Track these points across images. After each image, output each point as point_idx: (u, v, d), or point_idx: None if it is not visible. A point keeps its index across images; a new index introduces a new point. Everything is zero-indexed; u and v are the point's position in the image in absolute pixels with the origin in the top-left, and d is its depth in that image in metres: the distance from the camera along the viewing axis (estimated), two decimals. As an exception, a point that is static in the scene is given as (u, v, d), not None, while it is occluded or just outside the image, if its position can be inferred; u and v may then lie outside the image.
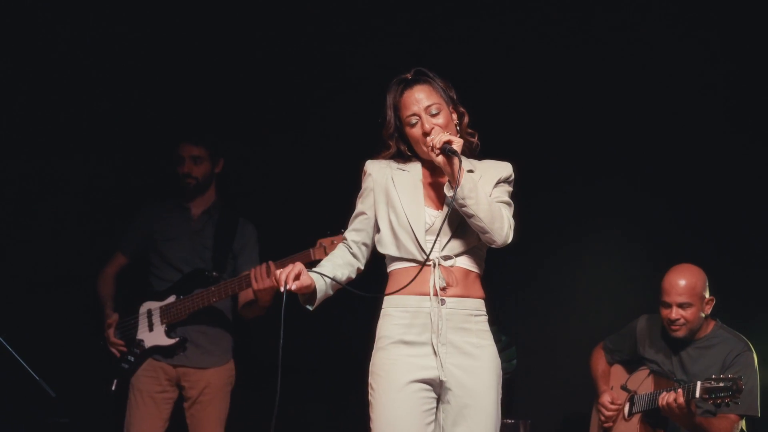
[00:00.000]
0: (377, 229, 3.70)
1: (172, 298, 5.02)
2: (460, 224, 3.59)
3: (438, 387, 3.54)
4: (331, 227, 4.51)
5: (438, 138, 3.51)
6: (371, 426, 3.53)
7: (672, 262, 4.80)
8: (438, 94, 3.65)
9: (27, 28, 5.50)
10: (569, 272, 5.74)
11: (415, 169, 3.71)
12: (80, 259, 5.50)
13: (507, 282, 5.76)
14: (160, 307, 5.03)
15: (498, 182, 3.68)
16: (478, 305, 3.64)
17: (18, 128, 5.53)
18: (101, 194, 5.68)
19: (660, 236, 5.53)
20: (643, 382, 4.80)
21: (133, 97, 5.70)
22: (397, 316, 3.58)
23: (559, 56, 5.70)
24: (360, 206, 3.76)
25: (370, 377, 3.58)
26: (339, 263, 3.67)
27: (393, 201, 3.64)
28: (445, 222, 3.56)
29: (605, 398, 4.93)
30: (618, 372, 5.02)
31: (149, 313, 5.04)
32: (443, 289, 3.55)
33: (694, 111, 5.52)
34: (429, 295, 3.55)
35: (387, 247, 3.64)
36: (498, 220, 3.54)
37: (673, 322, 4.68)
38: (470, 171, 3.64)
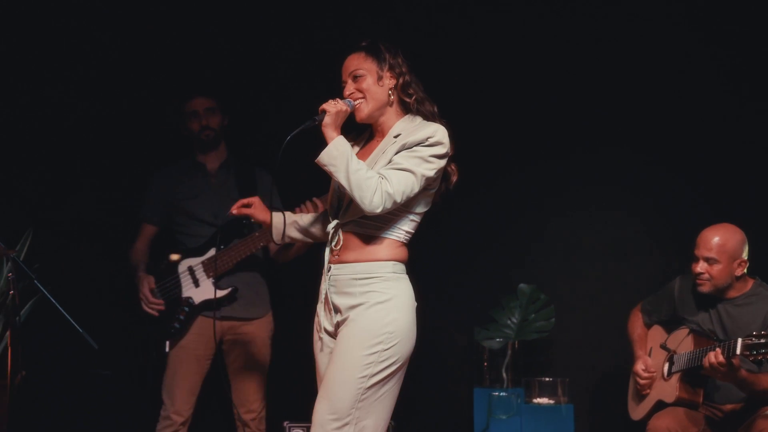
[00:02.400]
0: None
1: (212, 251, 5.03)
2: None
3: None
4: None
5: (324, 106, 3.67)
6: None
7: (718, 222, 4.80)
8: (370, 60, 3.75)
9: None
10: (608, 231, 5.73)
11: (369, 131, 3.91)
12: (118, 215, 5.54)
13: (545, 241, 5.76)
14: (202, 262, 5.04)
15: (404, 147, 3.66)
16: (369, 269, 3.71)
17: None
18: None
19: (706, 195, 5.52)
20: (682, 341, 4.78)
21: (135, 53, 5.71)
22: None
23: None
24: None
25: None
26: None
27: None
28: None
29: (639, 366, 4.92)
30: (657, 332, 5.01)
31: (191, 269, 5.05)
32: (334, 253, 3.76)
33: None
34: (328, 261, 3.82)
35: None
36: (362, 189, 3.56)
37: (697, 275, 4.69)
38: (397, 135, 3.72)
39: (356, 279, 3.69)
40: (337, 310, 3.72)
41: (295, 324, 4.47)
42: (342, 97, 3.75)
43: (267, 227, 4.03)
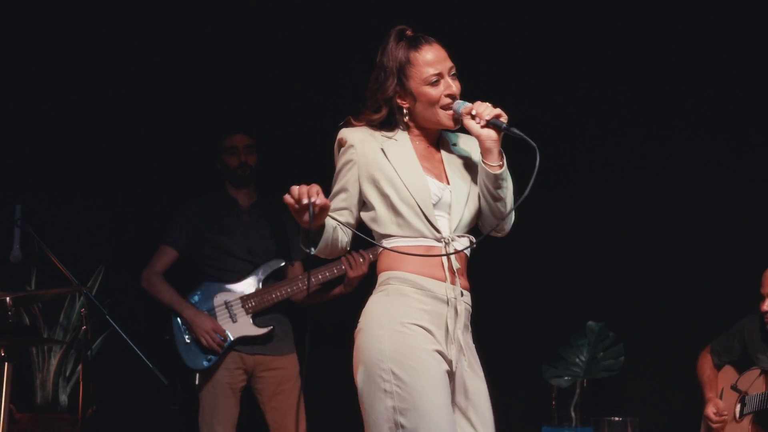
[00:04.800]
0: (366, 207, 3.28)
1: (251, 289, 5.10)
2: (468, 201, 3.28)
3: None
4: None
5: (488, 109, 3.18)
6: (399, 420, 3.05)
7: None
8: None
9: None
10: (677, 269, 5.67)
11: (403, 137, 3.30)
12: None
13: (614, 279, 5.72)
14: (241, 298, 5.09)
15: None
16: None
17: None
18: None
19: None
20: (754, 382, 4.72)
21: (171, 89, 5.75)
22: (416, 299, 3.16)
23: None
24: (340, 182, 3.28)
25: (390, 364, 3.08)
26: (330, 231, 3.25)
27: (387, 174, 3.22)
28: (454, 195, 3.25)
29: (710, 409, 4.87)
30: (728, 372, 4.94)
31: (227, 304, 5.09)
32: (455, 274, 3.20)
33: None
34: (444, 280, 3.18)
35: (385, 226, 3.22)
36: (509, 209, 3.25)
37: (765, 314, 4.65)
38: (455, 144, 3.37)
39: (470, 313, 3.27)
40: (461, 348, 3.18)
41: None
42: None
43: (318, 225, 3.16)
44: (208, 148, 5.37)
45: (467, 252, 3.26)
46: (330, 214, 3.15)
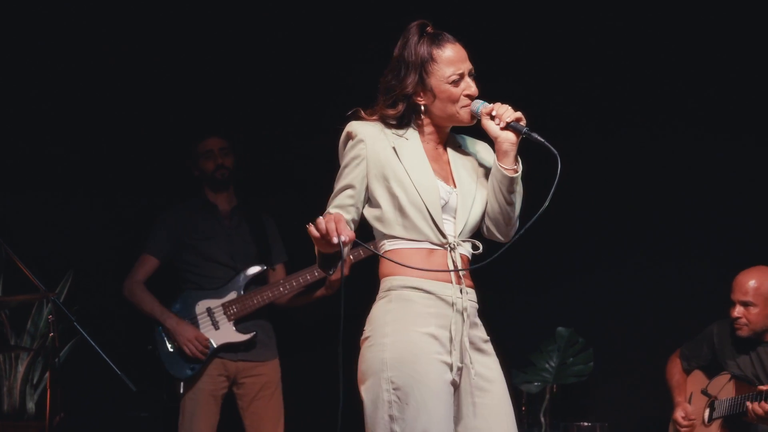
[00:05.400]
0: (371, 204, 3.22)
1: (232, 295, 5.08)
2: (473, 205, 3.25)
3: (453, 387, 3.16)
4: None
5: (508, 111, 3.17)
6: (395, 429, 3.04)
7: (756, 265, 4.77)
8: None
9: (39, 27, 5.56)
10: (646, 274, 5.69)
11: (414, 136, 3.24)
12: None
13: (584, 283, 5.73)
14: (222, 305, 5.07)
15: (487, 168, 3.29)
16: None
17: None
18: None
19: (744, 239, 5.48)
20: (724, 387, 4.75)
21: (145, 99, 5.71)
22: (422, 303, 3.13)
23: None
24: (346, 178, 3.19)
25: (390, 373, 3.06)
26: None
27: (398, 174, 3.16)
28: (460, 199, 3.21)
29: (678, 413, 4.89)
30: (698, 377, 4.97)
31: (209, 311, 5.07)
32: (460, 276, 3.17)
33: None
34: (450, 282, 3.16)
35: (390, 227, 3.17)
36: (516, 214, 3.25)
37: (735, 320, 4.68)
38: (459, 146, 3.33)
39: (477, 309, 3.27)
40: (471, 342, 3.17)
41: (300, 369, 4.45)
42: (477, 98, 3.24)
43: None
44: (181, 151, 5.35)
45: (469, 255, 3.24)
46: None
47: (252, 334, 5.06)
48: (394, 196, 3.16)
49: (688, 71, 5.63)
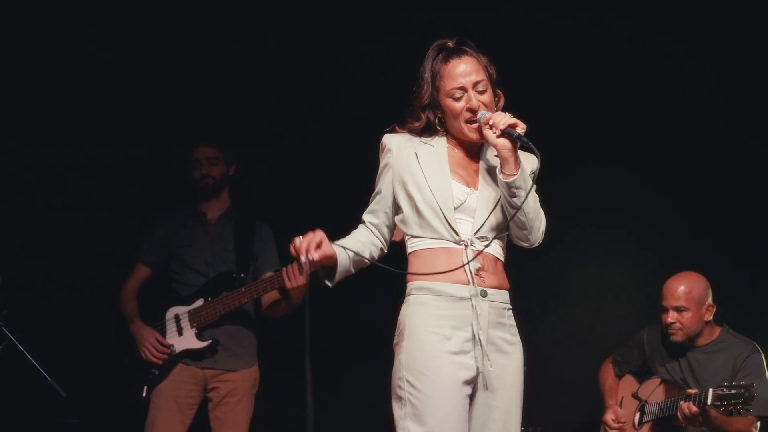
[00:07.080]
0: (398, 208, 3.41)
1: (199, 302, 5.04)
2: (496, 207, 3.36)
3: (472, 386, 3.32)
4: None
5: (503, 119, 3.25)
6: (409, 426, 3.23)
7: (686, 269, 4.83)
8: (483, 70, 3.38)
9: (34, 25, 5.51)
10: (583, 277, 5.73)
11: (440, 143, 3.42)
12: (94, 263, 5.50)
13: (518, 285, 5.75)
14: (189, 312, 5.04)
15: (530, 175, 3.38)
16: (509, 298, 3.41)
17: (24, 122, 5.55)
18: (116, 198, 5.68)
19: (677, 244, 5.54)
20: (654, 391, 4.80)
21: (143, 101, 5.68)
22: (434, 306, 3.28)
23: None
24: (378, 185, 3.46)
25: (405, 372, 3.25)
26: (362, 240, 3.41)
27: (416, 176, 3.35)
28: (480, 200, 3.34)
29: (609, 415, 4.94)
30: (629, 382, 5.02)
31: (177, 317, 5.04)
32: (479, 275, 3.29)
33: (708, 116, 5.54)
34: (468, 283, 3.29)
35: (410, 227, 3.36)
36: (539, 219, 3.34)
37: (669, 325, 4.72)
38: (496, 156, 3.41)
39: (506, 309, 3.39)
40: (491, 343, 3.32)
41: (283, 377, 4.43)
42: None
43: (330, 265, 3.32)
44: (155, 157, 5.32)
45: (497, 253, 3.37)
46: (339, 243, 3.32)
47: (210, 341, 5.01)
48: (411, 198, 3.36)
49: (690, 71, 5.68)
